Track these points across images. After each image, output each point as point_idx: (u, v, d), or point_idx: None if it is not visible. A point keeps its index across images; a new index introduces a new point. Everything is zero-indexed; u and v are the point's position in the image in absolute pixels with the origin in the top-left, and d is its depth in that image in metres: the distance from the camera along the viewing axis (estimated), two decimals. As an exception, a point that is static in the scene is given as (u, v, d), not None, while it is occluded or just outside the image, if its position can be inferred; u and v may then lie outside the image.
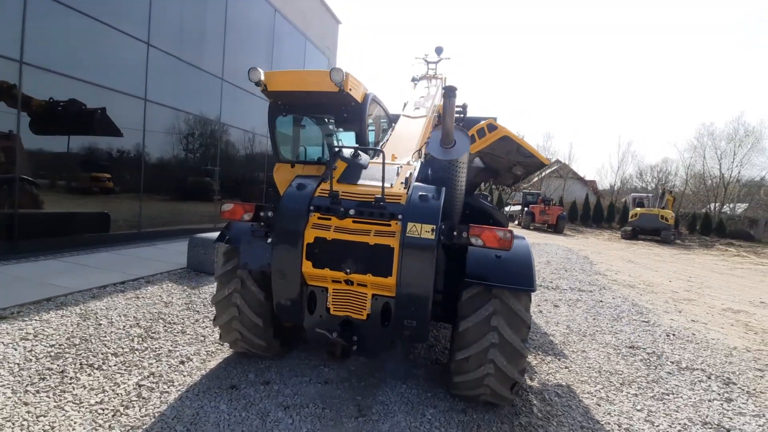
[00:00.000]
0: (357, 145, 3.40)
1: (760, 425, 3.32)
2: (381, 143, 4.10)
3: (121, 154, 7.98)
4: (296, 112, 4.18)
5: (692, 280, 10.96)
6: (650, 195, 25.28)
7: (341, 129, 4.35)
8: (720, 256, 18.40)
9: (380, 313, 2.88)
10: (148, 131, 8.21)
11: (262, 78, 3.58)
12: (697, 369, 4.42)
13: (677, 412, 3.43)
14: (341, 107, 3.91)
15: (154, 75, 8.21)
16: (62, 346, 3.50)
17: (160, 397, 2.95)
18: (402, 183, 3.08)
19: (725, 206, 34.21)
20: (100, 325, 4.04)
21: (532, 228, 23.33)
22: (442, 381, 3.51)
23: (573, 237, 21.90)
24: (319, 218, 2.92)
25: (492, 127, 4.33)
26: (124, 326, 4.08)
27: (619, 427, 3.12)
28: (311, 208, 2.93)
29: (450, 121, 3.14)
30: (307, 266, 2.87)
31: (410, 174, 3.16)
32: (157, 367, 3.38)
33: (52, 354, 3.35)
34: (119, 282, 5.30)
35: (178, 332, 4.11)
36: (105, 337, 3.79)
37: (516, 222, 25.41)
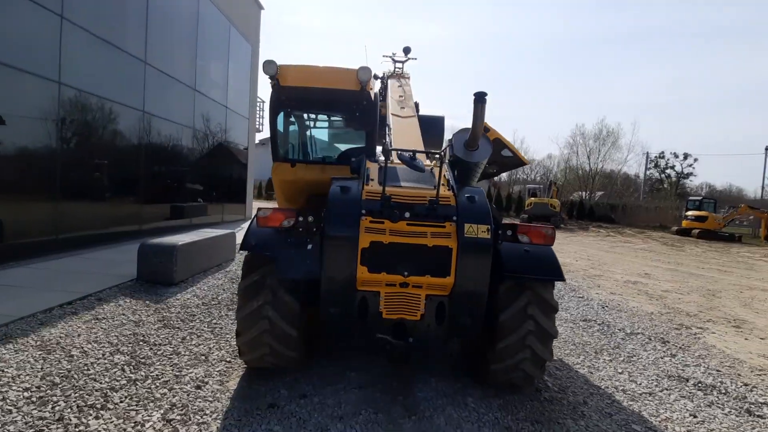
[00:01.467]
0: (413, 149, 3.37)
1: (703, 372, 4.20)
2: (385, 143, 4.10)
3: (22, 145, 6.52)
4: (302, 108, 3.95)
5: (591, 258, 12.97)
6: (541, 186, 28.91)
7: (351, 128, 4.23)
8: (597, 237, 21.97)
9: (435, 313, 2.97)
10: (61, 119, 6.84)
11: (277, 71, 3.33)
12: (639, 333, 5.36)
13: (646, 370, 4.16)
14: (353, 105, 3.82)
15: (71, 54, 6.84)
16: (42, 389, 2.86)
17: (200, 429, 2.64)
18: (444, 185, 3.17)
19: (592, 194, 41.25)
20: (72, 356, 3.37)
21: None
22: (459, 371, 3.71)
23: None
24: (371, 222, 2.87)
25: (486, 129, 4.63)
26: (103, 354, 3.47)
27: (617, 389, 3.69)
28: (363, 212, 2.86)
29: (480, 126, 3.31)
30: (362, 271, 2.81)
31: (448, 176, 3.27)
32: (174, 396, 2.98)
33: (35, 400, 2.73)
34: (65, 303, 4.43)
35: (170, 354, 3.64)
36: (88, 370, 3.19)
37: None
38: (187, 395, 3.01)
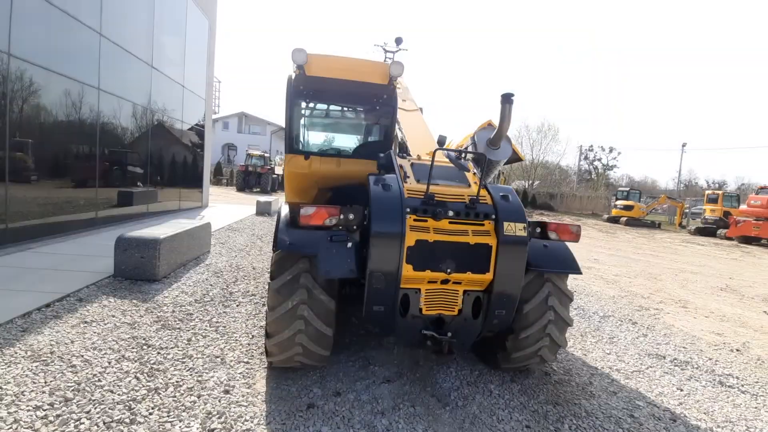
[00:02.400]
0: (460, 149, 3.35)
1: (673, 349, 4.75)
2: (401, 138, 4.08)
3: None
4: (323, 99, 3.79)
5: (545, 245, 13.92)
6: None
7: (369, 121, 4.13)
8: (543, 224, 23.52)
9: (471, 308, 3.07)
10: (6, 94, 5.93)
11: (306, 60, 3.17)
12: (610, 316, 5.91)
13: (628, 350, 4.62)
14: (375, 99, 3.74)
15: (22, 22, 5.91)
16: (56, 406, 2.57)
17: (246, 437, 2.54)
18: (476, 183, 3.24)
19: (532, 184, 44.19)
20: (75, 367, 3.05)
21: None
22: (470, 359, 3.88)
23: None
24: (415, 220, 2.88)
25: (490, 125, 4.76)
26: (109, 362, 3.17)
27: (611, 369, 4.07)
28: (407, 210, 2.86)
29: (507, 126, 3.42)
30: (407, 269, 2.83)
31: (478, 175, 3.34)
32: (206, 403, 2.82)
33: (53, 419, 2.45)
34: (43, 306, 3.95)
35: (182, 357, 3.42)
36: (99, 381, 2.91)
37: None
38: (219, 401, 2.86)
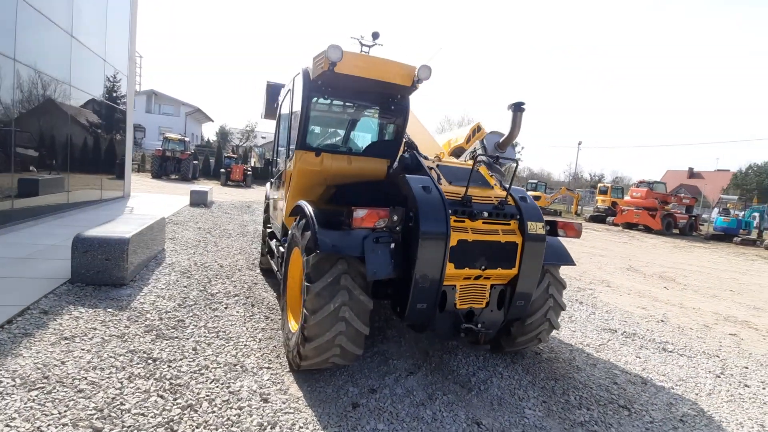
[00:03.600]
0: (496, 154, 3.48)
1: (619, 323, 5.61)
2: (407, 138, 4.16)
3: None
4: (343, 97, 3.68)
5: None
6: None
7: (383, 120, 4.10)
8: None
9: (497, 300, 3.34)
10: None
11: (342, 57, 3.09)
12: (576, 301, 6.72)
13: (586, 327, 5.34)
14: (393, 99, 3.77)
15: None
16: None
17: (309, 442, 2.51)
18: (495, 185, 3.49)
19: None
20: (83, 391, 2.67)
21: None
22: (469, 346, 4.21)
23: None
24: (455, 221, 3.03)
25: (479, 128, 5.05)
26: (120, 382, 2.84)
27: (583, 345, 4.70)
28: (449, 211, 3.00)
29: (517, 132, 3.71)
30: (450, 267, 2.99)
31: (495, 177, 3.59)
32: (251, 415, 2.70)
33: (94, 450, 2.16)
34: (5, 322, 3.31)
35: (198, 369, 3.18)
36: (122, 405, 2.61)
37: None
38: (263, 411, 2.77)
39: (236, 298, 4.86)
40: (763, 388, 4.01)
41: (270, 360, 3.48)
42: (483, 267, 3.13)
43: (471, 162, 3.85)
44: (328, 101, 3.82)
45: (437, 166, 3.46)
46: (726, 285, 9.70)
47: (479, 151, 3.93)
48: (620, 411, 3.33)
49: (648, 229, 23.34)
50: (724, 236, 23.16)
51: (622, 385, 3.79)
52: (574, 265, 3.92)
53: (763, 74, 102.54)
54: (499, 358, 4.03)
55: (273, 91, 7.77)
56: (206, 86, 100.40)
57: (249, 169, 24.17)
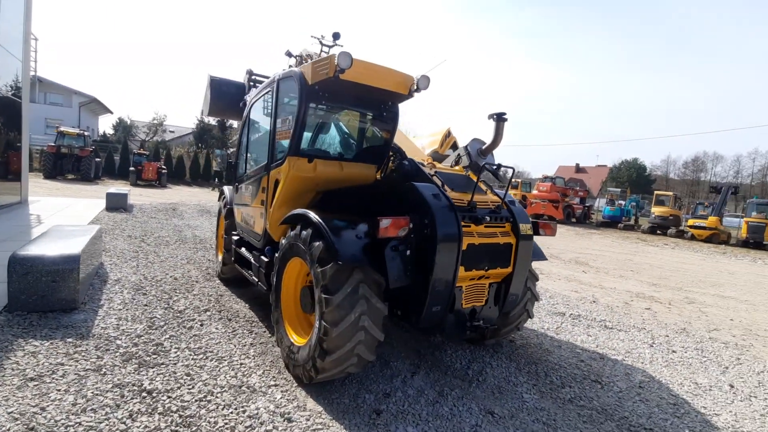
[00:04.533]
0: (497, 163, 3.61)
1: (564, 307, 6.34)
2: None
3: None
4: (340, 102, 3.59)
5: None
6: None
7: (375, 126, 4.07)
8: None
9: (494, 297, 3.60)
10: None
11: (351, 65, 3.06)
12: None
13: (539, 313, 5.95)
14: (387, 106, 3.80)
15: None
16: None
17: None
18: (488, 190, 3.74)
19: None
20: (85, 437, 2.32)
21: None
22: (453, 342, 4.48)
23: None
24: (463, 226, 3.21)
25: (449, 134, 5.28)
26: (124, 423, 2.52)
27: (544, 329, 5.24)
28: (459, 217, 3.17)
29: (500, 141, 4.01)
30: (461, 270, 3.16)
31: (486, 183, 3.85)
32: (281, 435, 2.60)
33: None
34: None
35: (203, 395, 2.95)
36: (137, 445, 2.33)
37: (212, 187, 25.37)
38: (292, 431, 2.68)
39: (208, 313, 4.51)
40: (685, 352, 4.90)
41: (274, 377, 3.35)
42: (486, 268, 3.37)
43: (460, 168, 4.08)
44: (323, 106, 3.74)
45: (435, 173, 3.61)
46: (625, 266, 11.41)
47: (464, 158, 4.17)
48: (594, 385, 3.83)
49: (551, 219, 26.27)
50: (611, 223, 27.09)
51: (587, 361, 4.34)
52: (546, 260, 4.37)
53: (631, 82, 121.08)
54: (483, 349, 4.34)
55: (218, 87, 7.26)
56: (103, 75, 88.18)
57: (163, 167, 21.98)
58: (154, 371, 3.18)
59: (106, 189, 12.16)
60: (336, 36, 6.17)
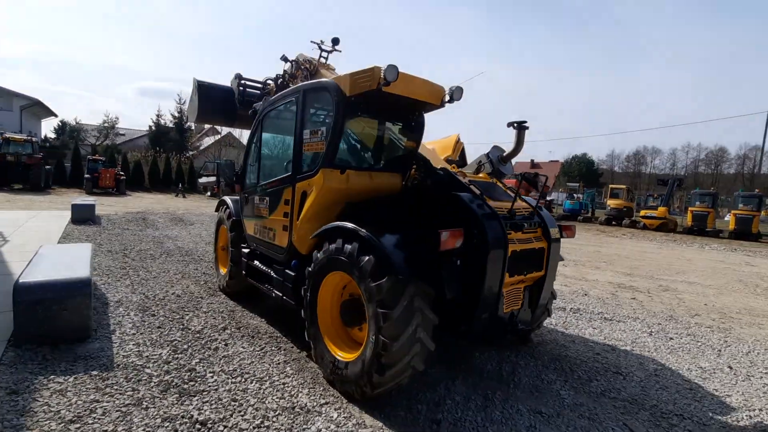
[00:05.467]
0: (537, 172, 3.67)
1: (564, 302, 6.65)
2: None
3: None
4: (376, 114, 3.55)
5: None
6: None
7: (403, 135, 4.04)
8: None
9: (528, 300, 3.72)
10: None
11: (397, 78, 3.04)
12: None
13: (555, 308, 6.21)
14: (415, 115, 3.82)
15: None
16: None
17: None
18: (515, 196, 3.85)
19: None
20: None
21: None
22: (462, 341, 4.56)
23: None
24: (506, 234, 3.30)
25: (458, 140, 5.35)
26: (192, 458, 2.37)
27: (552, 325, 5.48)
28: (504, 224, 3.25)
29: (520, 148, 4.14)
30: (506, 277, 3.25)
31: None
32: (354, 456, 2.56)
33: None
34: None
35: (259, 420, 2.84)
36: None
37: (208, 193, 24.39)
38: (362, 449, 2.64)
39: (227, 331, 4.33)
40: (680, 339, 5.30)
41: (321, 394, 3.28)
42: (525, 273, 3.48)
43: (485, 175, 4.17)
44: (363, 119, 3.69)
45: (470, 182, 3.67)
46: (597, 258, 12.10)
47: (487, 165, 4.26)
48: (617, 376, 4.06)
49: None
50: (571, 216, 28.58)
51: (602, 354, 4.60)
52: (563, 260, 4.57)
53: (579, 82, 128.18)
54: (507, 350, 4.47)
55: (206, 92, 6.95)
56: (44, 76, 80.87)
57: (121, 173, 20.59)
58: (197, 400, 3.02)
59: (60, 199, 11.30)
60: (335, 41, 6.10)
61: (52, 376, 3.07)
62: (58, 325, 3.50)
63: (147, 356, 3.57)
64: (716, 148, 66.67)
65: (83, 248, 4.85)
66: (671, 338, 5.29)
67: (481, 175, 4.18)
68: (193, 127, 34.69)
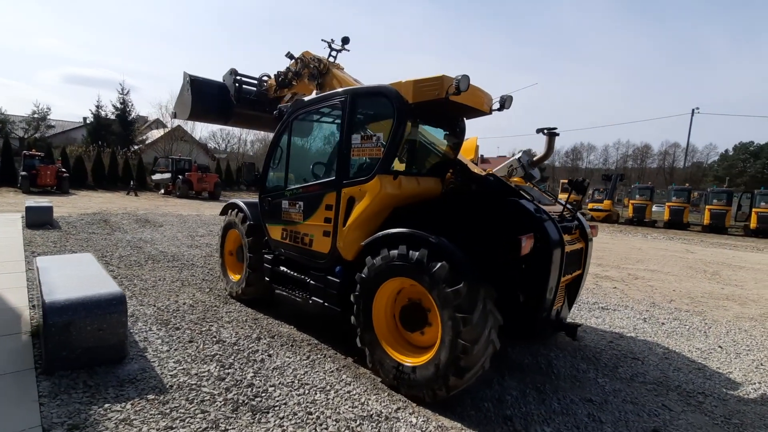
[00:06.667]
0: (582, 177, 3.79)
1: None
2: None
3: None
4: (425, 119, 3.55)
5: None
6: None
7: (447, 140, 4.04)
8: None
9: (567, 297, 3.95)
10: None
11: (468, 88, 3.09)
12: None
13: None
14: (456, 121, 3.88)
15: None
16: None
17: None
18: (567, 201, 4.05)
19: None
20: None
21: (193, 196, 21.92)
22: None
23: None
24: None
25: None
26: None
27: (571, 318, 5.83)
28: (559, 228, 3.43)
29: (550, 154, 4.36)
30: (561, 276, 3.44)
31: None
32: (453, 459, 2.62)
33: None
34: None
35: (349, 423, 2.79)
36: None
37: (162, 191, 22.81)
38: (456, 451, 2.70)
39: (263, 342, 4.16)
40: (670, 323, 5.87)
41: (390, 400, 3.28)
42: (572, 272, 3.70)
43: (519, 179, 4.34)
44: (419, 125, 3.70)
45: (516, 186, 3.81)
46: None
47: (519, 170, 4.44)
48: (636, 362, 4.45)
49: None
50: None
51: (615, 342, 4.99)
52: (584, 257, 4.87)
53: (520, 81, 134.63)
54: (536, 344, 4.71)
55: (200, 88, 6.55)
56: None
57: (63, 170, 18.62)
58: (273, 416, 2.91)
59: (33, 202, 10.01)
60: (345, 40, 6.00)
61: (106, 405, 2.80)
62: (94, 346, 3.18)
63: (196, 374, 3.35)
64: (642, 145, 73.35)
65: (86, 258, 4.41)
66: (663, 323, 5.85)
67: (515, 179, 4.35)
68: (148, 117, 32.25)
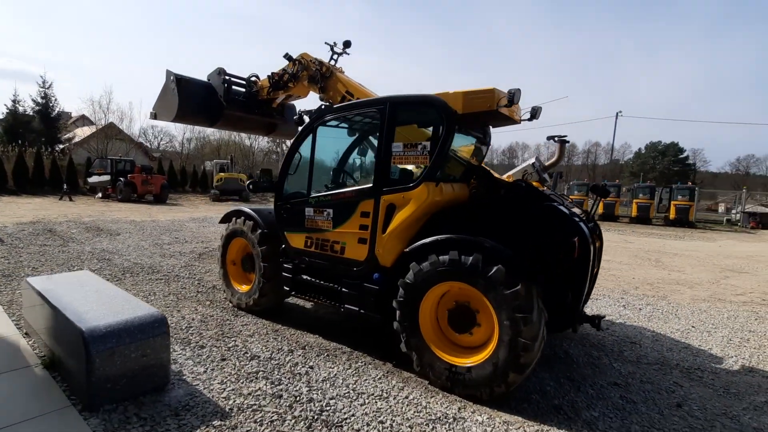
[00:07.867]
0: (605, 181, 4.00)
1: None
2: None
3: None
4: (465, 128, 3.63)
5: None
6: (227, 162, 28.40)
7: (478, 146, 4.15)
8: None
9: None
10: None
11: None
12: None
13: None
14: (486, 128, 4.04)
15: None
16: None
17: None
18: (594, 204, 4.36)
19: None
20: None
21: (135, 199, 20.10)
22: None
23: (187, 206, 21.54)
24: (588, 237, 3.79)
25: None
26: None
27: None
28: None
29: (561, 160, 4.69)
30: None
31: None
32: (532, 451, 2.78)
33: None
34: None
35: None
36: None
37: (100, 195, 20.74)
38: (531, 444, 2.87)
39: (297, 353, 4.05)
40: (646, 308, 6.56)
41: (448, 400, 3.38)
42: (595, 270, 4.04)
43: (537, 183, 4.61)
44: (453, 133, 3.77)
45: (543, 191, 4.07)
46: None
47: (534, 174, 4.71)
48: (634, 346, 4.94)
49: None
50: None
51: (609, 328, 5.50)
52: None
53: (461, 81, 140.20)
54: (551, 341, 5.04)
55: (187, 88, 6.17)
56: None
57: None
58: (348, 429, 2.87)
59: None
60: (347, 44, 5.94)
61: (170, 437, 2.59)
62: (138, 375, 2.91)
63: (250, 393, 3.19)
64: (569, 145, 79.86)
65: (87, 276, 3.99)
66: (640, 309, 6.53)
67: (534, 183, 4.63)
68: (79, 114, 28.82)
